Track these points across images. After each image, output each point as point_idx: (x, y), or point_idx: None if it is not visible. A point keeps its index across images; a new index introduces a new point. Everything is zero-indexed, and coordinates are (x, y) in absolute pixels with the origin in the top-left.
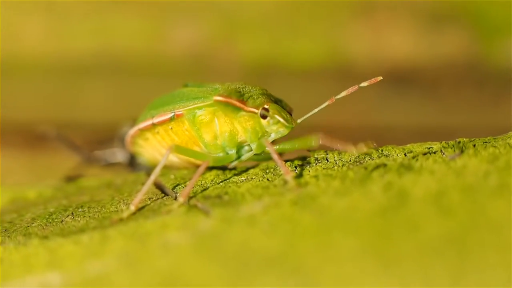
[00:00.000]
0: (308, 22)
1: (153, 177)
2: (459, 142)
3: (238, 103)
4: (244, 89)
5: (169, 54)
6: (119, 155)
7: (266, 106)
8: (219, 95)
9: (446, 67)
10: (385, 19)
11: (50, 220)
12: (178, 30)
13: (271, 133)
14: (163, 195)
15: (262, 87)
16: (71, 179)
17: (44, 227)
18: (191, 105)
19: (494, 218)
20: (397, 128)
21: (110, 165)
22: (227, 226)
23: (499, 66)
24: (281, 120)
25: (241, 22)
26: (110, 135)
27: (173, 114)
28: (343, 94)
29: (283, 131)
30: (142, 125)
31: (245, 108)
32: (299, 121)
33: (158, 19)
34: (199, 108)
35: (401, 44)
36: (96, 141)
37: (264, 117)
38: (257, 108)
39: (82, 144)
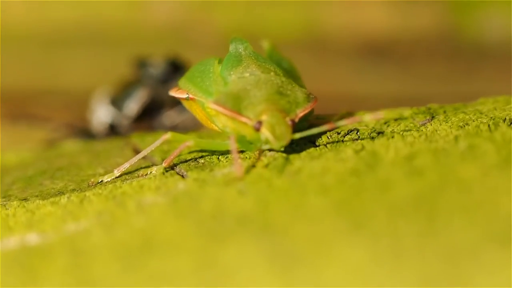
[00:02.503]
0: None
1: (145, 152)
2: (430, 109)
3: (231, 113)
4: (250, 87)
5: (148, 24)
6: (95, 123)
7: (261, 119)
8: (215, 102)
9: (420, 39)
10: None
11: (30, 183)
12: (157, 1)
13: (265, 142)
14: (141, 159)
15: (280, 72)
16: (51, 143)
17: (24, 189)
18: (199, 96)
19: (463, 180)
20: (372, 98)
21: (86, 134)
22: (202, 187)
23: (471, 38)
24: (271, 139)
25: None
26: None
27: (187, 96)
28: (343, 123)
29: (274, 147)
30: (175, 94)
31: (239, 118)
32: (297, 136)
33: None
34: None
35: (376, 17)
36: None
37: (257, 129)
38: (252, 119)
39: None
